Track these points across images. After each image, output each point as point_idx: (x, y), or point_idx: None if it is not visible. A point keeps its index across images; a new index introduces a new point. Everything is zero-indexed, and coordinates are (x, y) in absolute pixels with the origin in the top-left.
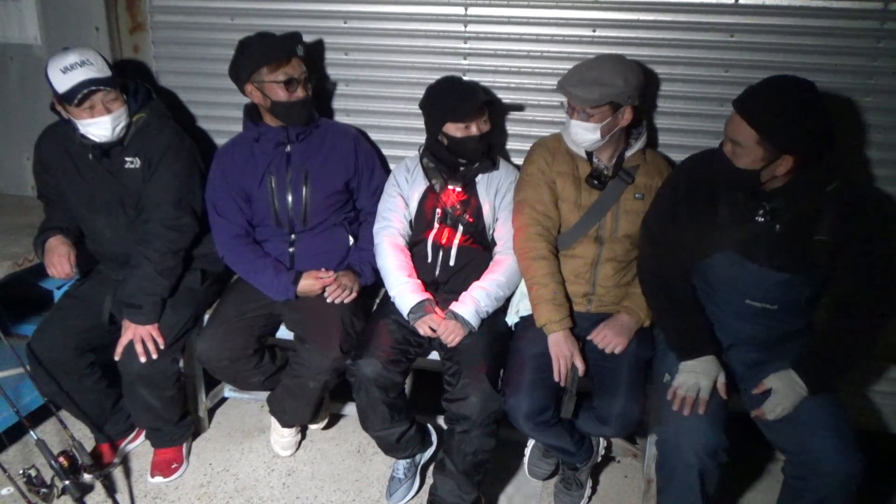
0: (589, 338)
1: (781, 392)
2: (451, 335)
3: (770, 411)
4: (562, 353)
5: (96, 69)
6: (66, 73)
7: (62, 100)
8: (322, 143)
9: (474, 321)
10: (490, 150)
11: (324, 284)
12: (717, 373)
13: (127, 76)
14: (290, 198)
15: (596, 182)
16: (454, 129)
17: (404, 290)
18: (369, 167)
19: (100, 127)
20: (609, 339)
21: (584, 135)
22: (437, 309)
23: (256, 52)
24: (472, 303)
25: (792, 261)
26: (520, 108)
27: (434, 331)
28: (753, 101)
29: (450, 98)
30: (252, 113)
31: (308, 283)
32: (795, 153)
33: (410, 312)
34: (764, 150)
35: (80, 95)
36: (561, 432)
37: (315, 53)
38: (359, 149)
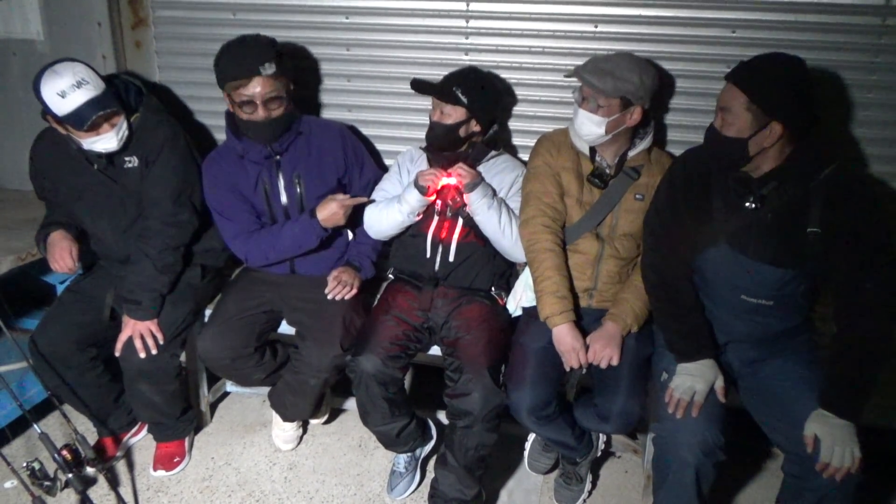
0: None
1: (827, 435)
2: (465, 171)
3: (831, 458)
4: (566, 348)
5: (93, 87)
6: (64, 98)
7: (63, 122)
8: (309, 146)
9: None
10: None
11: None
12: (714, 376)
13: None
14: (284, 202)
15: (597, 181)
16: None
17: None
18: (359, 162)
19: (106, 142)
20: (599, 352)
21: (589, 126)
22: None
23: (223, 67)
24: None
25: (784, 254)
26: (521, 103)
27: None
28: (745, 68)
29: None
30: (232, 123)
31: (329, 211)
32: (783, 119)
33: (415, 183)
34: (752, 116)
35: (88, 123)
36: (562, 427)
37: (303, 58)
38: (346, 145)
